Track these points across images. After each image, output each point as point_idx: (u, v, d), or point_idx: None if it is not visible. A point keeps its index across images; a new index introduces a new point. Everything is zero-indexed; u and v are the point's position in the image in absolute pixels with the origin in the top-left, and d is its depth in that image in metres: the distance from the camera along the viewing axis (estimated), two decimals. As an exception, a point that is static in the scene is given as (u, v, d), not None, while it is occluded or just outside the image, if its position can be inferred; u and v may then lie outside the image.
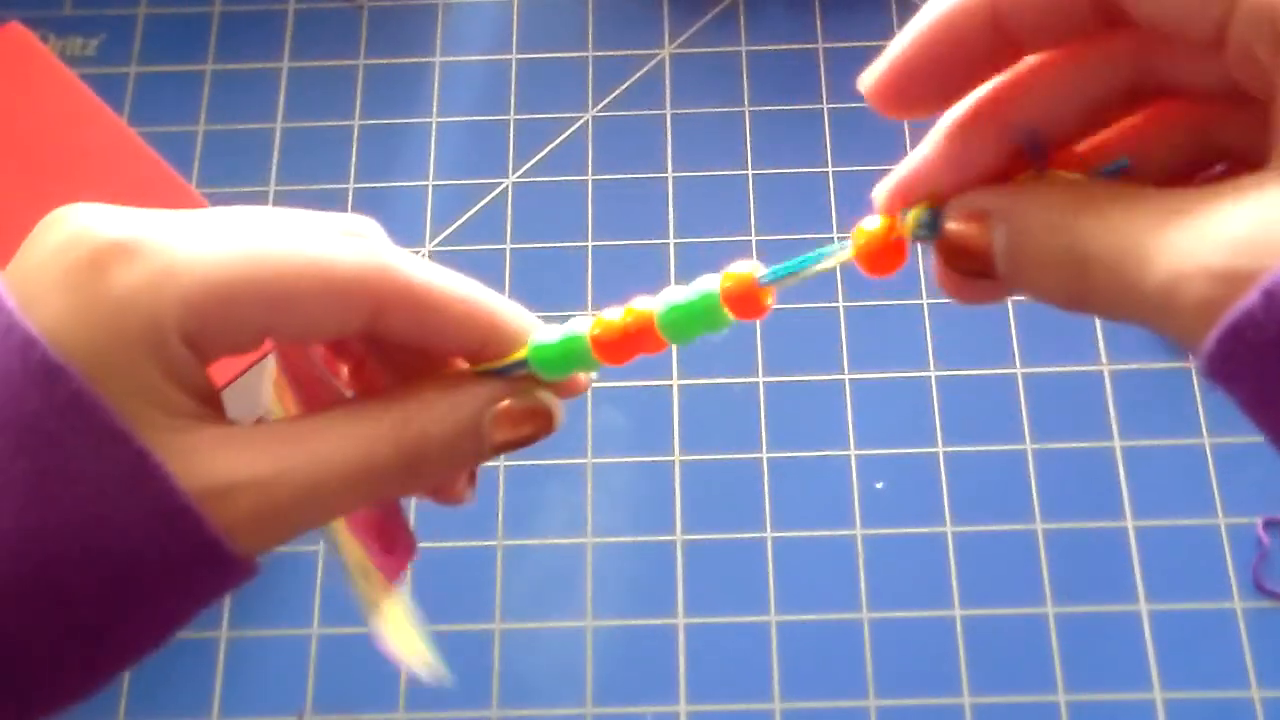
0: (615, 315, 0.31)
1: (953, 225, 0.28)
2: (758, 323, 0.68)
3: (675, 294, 0.32)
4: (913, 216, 0.28)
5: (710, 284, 0.31)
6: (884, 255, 0.29)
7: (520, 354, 0.31)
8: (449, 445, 0.29)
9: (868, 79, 0.28)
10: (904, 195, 0.29)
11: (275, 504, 0.27)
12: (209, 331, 0.27)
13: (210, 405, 0.28)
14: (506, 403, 0.30)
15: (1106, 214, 0.25)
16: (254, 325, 0.28)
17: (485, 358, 0.32)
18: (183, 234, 0.27)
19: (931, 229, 0.28)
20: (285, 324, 0.28)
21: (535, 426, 0.31)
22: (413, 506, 0.63)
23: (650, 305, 0.31)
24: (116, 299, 0.26)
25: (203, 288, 0.27)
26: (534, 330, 0.32)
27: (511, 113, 0.74)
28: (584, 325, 0.31)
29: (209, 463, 0.27)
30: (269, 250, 0.28)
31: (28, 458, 0.25)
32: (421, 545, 0.63)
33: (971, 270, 0.28)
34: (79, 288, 0.26)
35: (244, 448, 0.27)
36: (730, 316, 0.31)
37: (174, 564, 0.26)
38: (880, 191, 0.30)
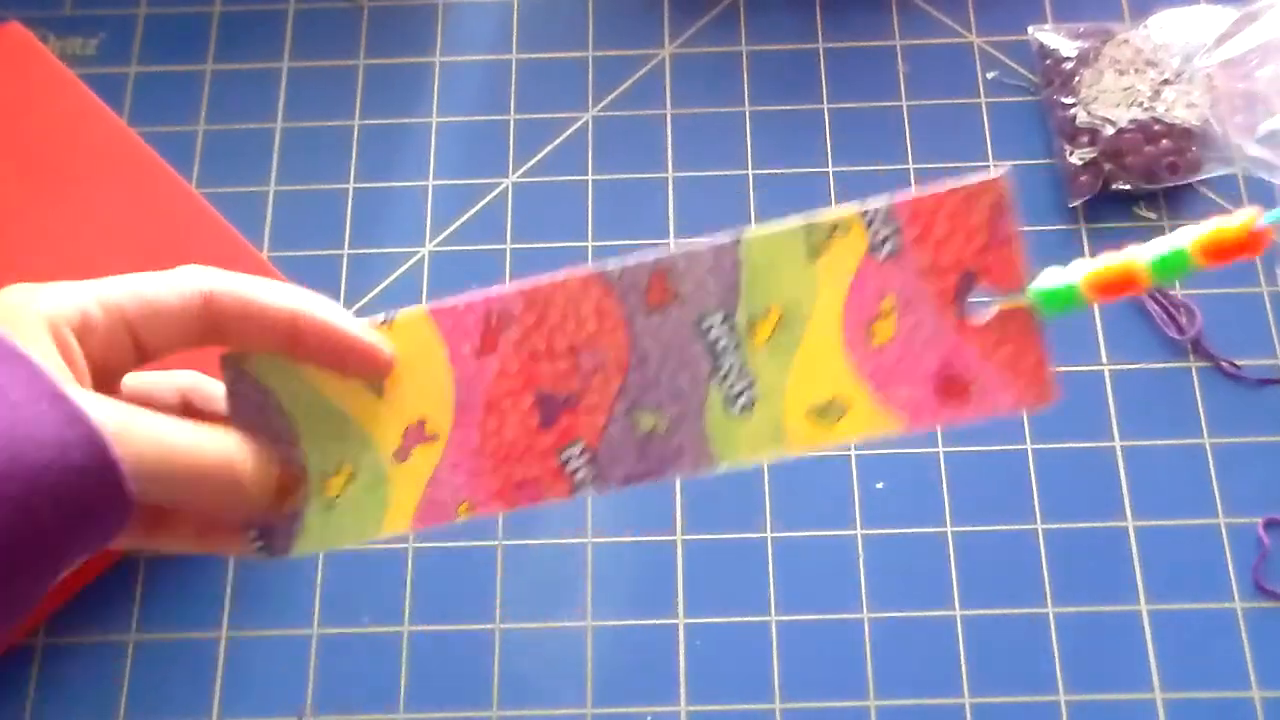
0: (1104, 263, 0.35)
1: None
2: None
3: (1159, 245, 0.35)
4: None
5: (1188, 235, 0.34)
6: None
7: (1021, 298, 0.36)
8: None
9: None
10: None
11: (141, 457, 0.33)
12: (92, 332, 0.35)
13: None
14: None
15: None
16: (117, 333, 0.36)
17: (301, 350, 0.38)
18: (61, 285, 0.37)
19: None
20: (143, 330, 0.36)
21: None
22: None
23: (1136, 255, 0.35)
24: (23, 305, 0.35)
25: (72, 301, 0.36)
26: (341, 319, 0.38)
27: (511, 113, 0.74)
28: (1077, 273, 0.36)
29: (101, 403, 0.33)
30: (129, 278, 0.38)
31: None
32: (421, 545, 0.64)
33: None
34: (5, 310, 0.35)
35: (139, 415, 0.34)
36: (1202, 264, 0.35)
37: (65, 457, 0.31)
38: None
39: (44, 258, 0.62)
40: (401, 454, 0.38)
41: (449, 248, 0.70)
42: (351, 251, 0.70)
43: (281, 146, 0.73)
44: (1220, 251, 0.34)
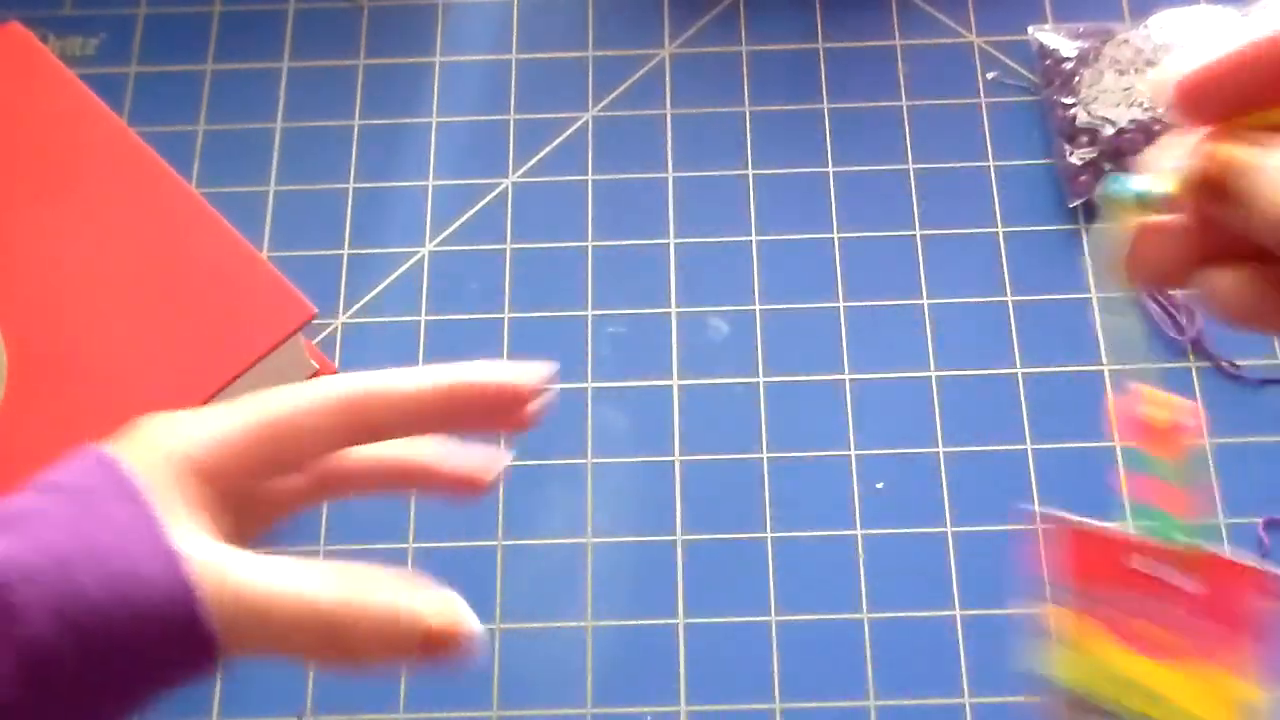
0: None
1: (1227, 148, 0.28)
2: (758, 323, 0.68)
3: None
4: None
5: None
6: None
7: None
8: (377, 647, 0.33)
9: (1178, 75, 0.29)
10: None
11: (239, 604, 0.32)
12: (223, 467, 0.34)
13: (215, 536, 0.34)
14: (430, 626, 0.33)
15: None
16: (256, 459, 0.35)
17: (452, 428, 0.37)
18: (198, 413, 0.35)
19: None
20: (290, 444, 0.35)
21: (453, 650, 0.34)
22: (412, 503, 0.63)
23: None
24: (156, 445, 0.35)
25: (209, 434, 0.35)
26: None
27: (511, 113, 0.74)
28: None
29: (208, 550, 0.32)
30: (262, 400, 0.36)
31: (77, 506, 0.33)
32: (421, 545, 0.64)
33: (1218, 193, 0.28)
34: (138, 440, 0.35)
35: (233, 556, 0.33)
36: None
37: (158, 610, 0.31)
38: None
39: (44, 258, 0.61)
40: None
41: (449, 248, 0.70)
42: (351, 251, 0.70)
43: (281, 146, 0.73)
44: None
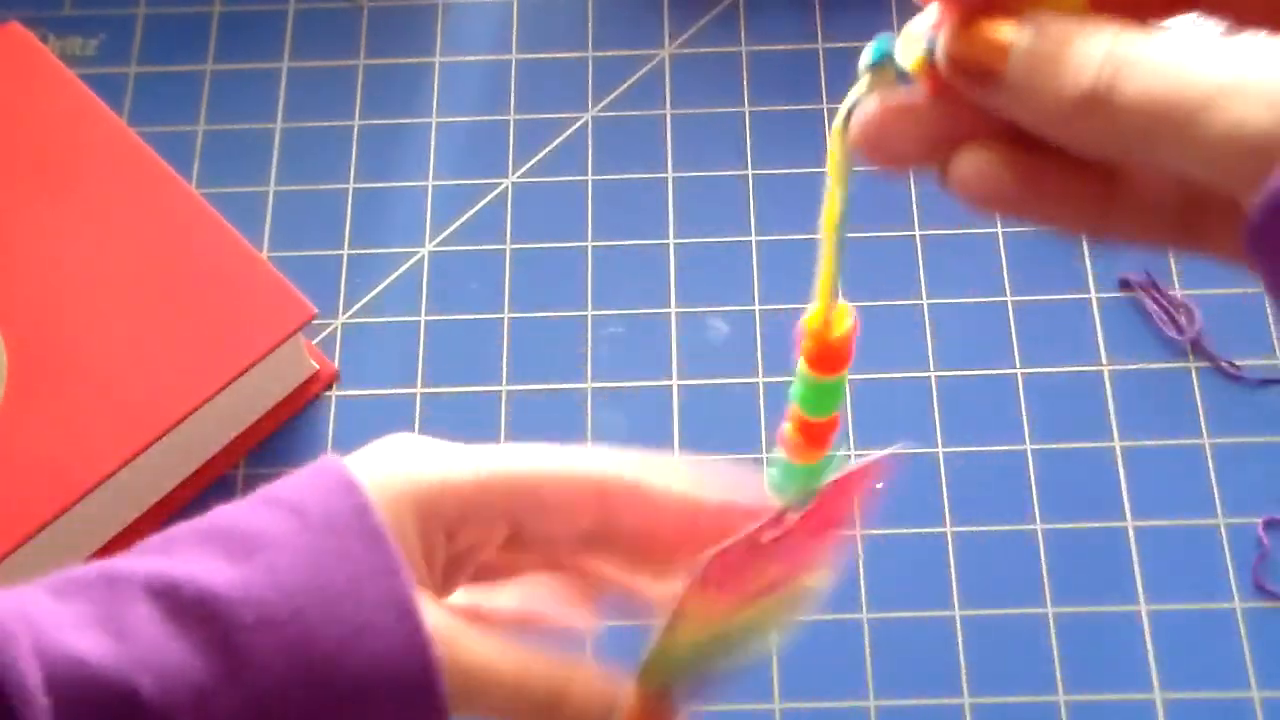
0: None
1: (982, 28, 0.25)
2: (758, 323, 0.68)
3: None
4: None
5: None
6: None
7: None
8: None
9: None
10: None
11: (467, 674, 0.32)
12: (469, 519, 0.34)
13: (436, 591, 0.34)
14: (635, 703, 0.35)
15: (1152, 35, 0.23)
16: (494, 522, 0.34)
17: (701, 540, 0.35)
18: (451, 448, 0.35)
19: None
20: (527, 516, 0.34)
21: None
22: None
23: None
24: (402, 476, 0.34)
25: (457, 474, 0.34)
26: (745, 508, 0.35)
27: (511, 113, 0.74)
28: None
29: (438, 613, 0.32)
30: (518, 456, 0.35)
31: (317, 537, 0.32)
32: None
33: (975, 71, 0.25)
34: (385, 466, 0.34)
35: (474, 638, 0.33)
36: None
37: (391, 667, 0.31)
38: None
39: (44, 258, 0.62)
40: None
41: (449, 248, 0.70)
42: (351, 251, 0.70)
43: (281, 146, 0.73)
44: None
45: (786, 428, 0.34)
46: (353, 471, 0.33)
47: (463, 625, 0.33)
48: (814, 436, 0.33)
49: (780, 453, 0.34)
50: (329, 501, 0.32)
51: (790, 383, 0.35)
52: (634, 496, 0.35)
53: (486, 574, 0.37)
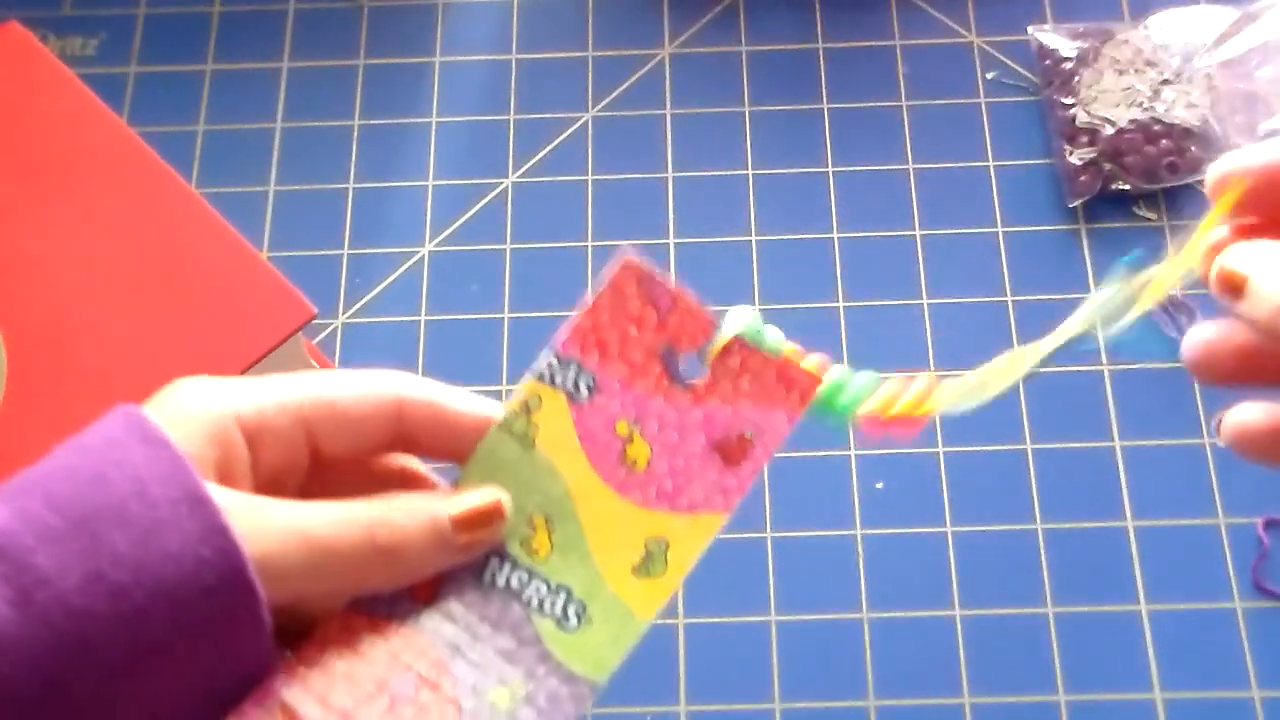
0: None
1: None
2: (758, 323, 0.68)
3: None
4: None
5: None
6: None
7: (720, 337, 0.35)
8: (419, 547, 0.34)
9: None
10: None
11: (285, 549, 0.32)
12: (266, 435, 0.33)
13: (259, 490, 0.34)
14: (462, 509, 0.34)
15: None
16: (295, 439, 0.34)
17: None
18: (241, 379, 0.35)
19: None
20: (325, 434, 0.34)
21: (490, 527, 0.35)
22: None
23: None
24: (193, 400, 0.34)
25: (249, 401, 0.34)
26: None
27: (511, 113, 0.74)
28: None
29: (236, 494, 0.32)
30: (313, 379, 0.35)
31: (97, 459, 0.32)
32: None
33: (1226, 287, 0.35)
34: (174, 397, 0.35)
35: (276, 506, 0.32)
36: None
37: (193, 558, 0.30)
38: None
39: (44, 258, 0.62)
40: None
41: (449, 248, 0.70)
42: (351, 251, 0.70)
43: (281, 146, 0.73)
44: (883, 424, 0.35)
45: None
46: (137, 406, 0.33)
47: (265, 501, 0.32)
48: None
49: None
50: (108, 427, 0.33)
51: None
52: (429, 411, 0.35)
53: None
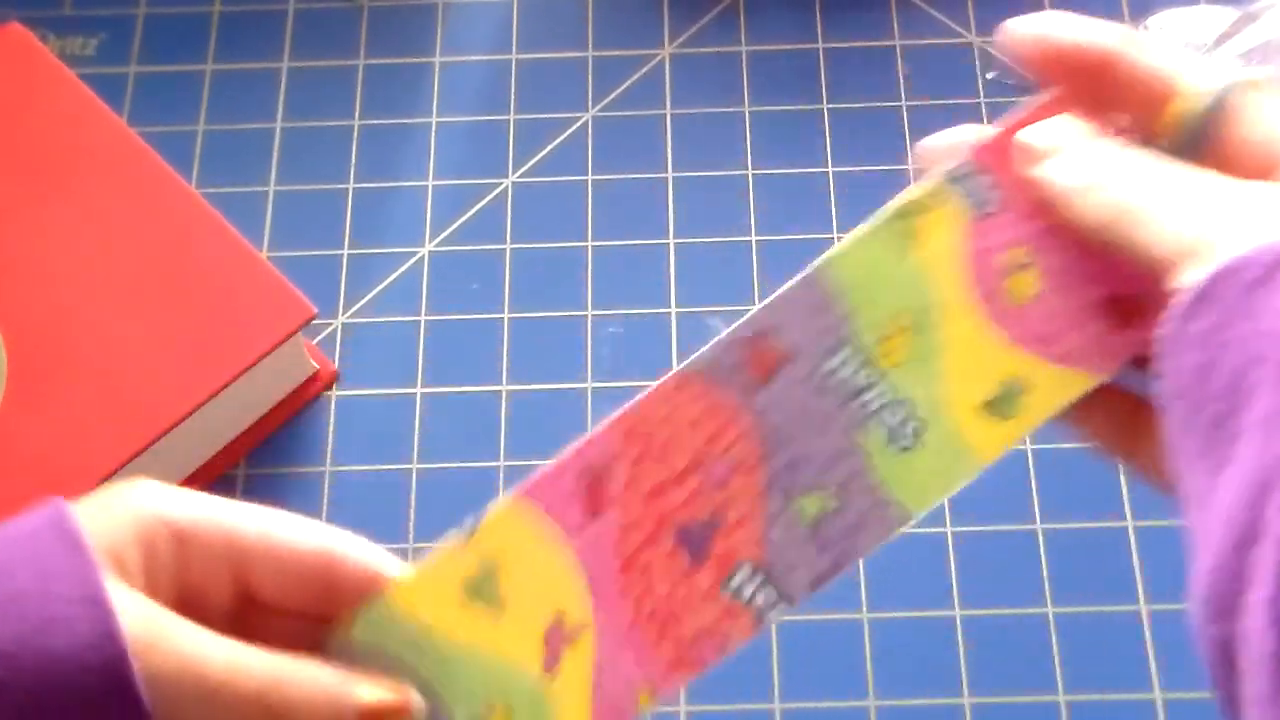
0: None
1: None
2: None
3: None
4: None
5: None
6: None
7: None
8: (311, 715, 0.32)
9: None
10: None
11: (176, 675, 0.31)
12: (194, 547, 0.33)
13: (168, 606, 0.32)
14: (369, 702, 0.32)
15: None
16: (227, 556, 0.33)
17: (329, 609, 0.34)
18: (191, 493, 0.34)
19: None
20: (255, 563, 0.33)
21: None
22: (412, 500, 0.63)
23: None
24: (127, 499, 0.33)
25: (192, 513, 0.33)
26: (388, 566, 0.34)
27: (511, 113, 0.74)
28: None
29: (145, 605, 0.31)
30: (251, 511, 0.34)
31: (12, 547, 0.31)
32: (420, 545, 0.63)
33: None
34: (109, 494, 0.34)
35: (182, 628, 0.31)
36: None
37: (77, 661, 0.29)
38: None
39: (44, 258, 0.62)
40: (551, 662, 0.32)
41: (449, 248, 0.70)
42: (351, 251, 0.70)
43: (281, 146, 0.73)
44: None
45: None
46: (67, 502, 0.32)
47: (172, 617, 0.31)
48: None
49: None
50: (34, 519, 0.32)
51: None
52: (361, 575, 0.34)
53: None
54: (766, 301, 0.33)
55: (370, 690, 0.32)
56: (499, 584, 0.33)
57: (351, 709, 0.32)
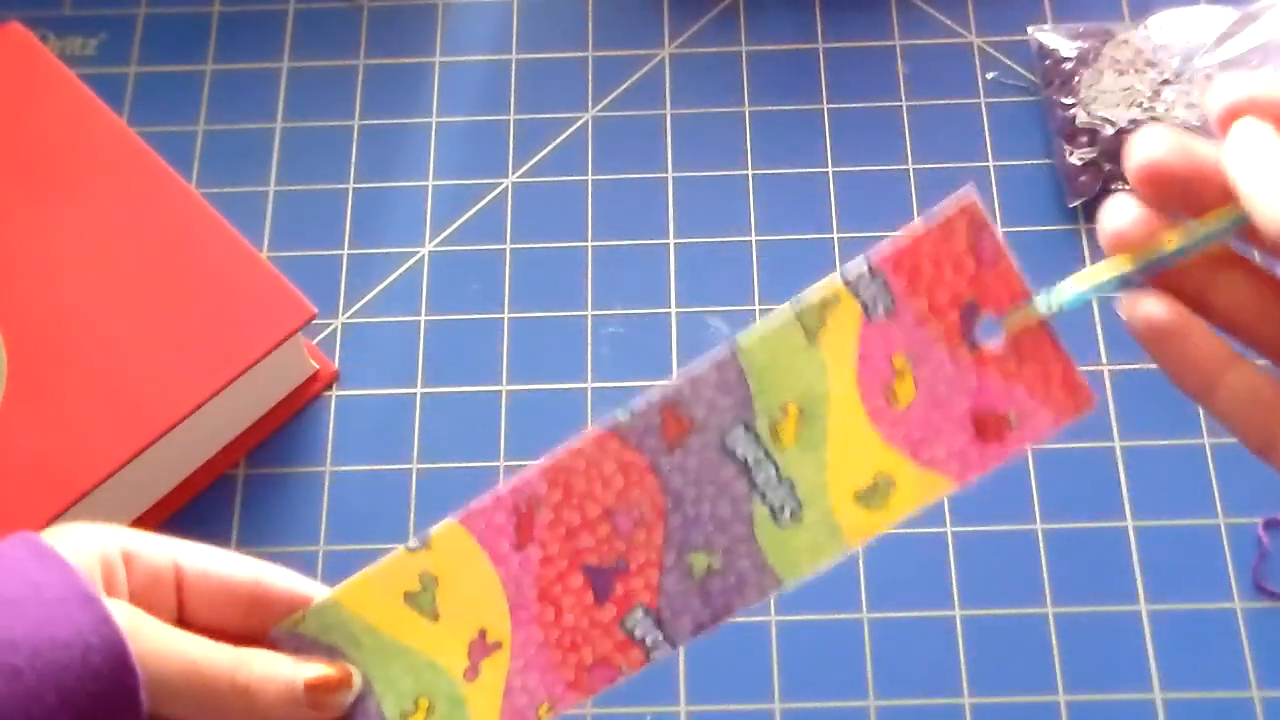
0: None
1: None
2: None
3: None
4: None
5: None
6: None
7: (1030, 311, 0.36)
8: (271, 699, 0.37)
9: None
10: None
11: (164, 655, 0.35)
12: (140, 561, 0.37)
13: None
14: (313, 675, 0.38)
15: None
16: (169, 572, 0.38)
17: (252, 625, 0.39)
18: (132, 531, 0.39)
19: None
20: (191, 585, 0.38)
21: (337, 693, 0.38)
22: (412, 501, 0.63)
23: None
24: (85, 531, 0.38)
25: (138, 538, 0.38)
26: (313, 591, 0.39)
27: (511, 113, 0.74)
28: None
29: (131, 612, 0.35)
30: (187, 543, 0.39)
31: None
32: (421, 545, 0.63)
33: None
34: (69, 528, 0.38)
35: (156, 621, 0.36)
36: None
37: (81, 647, 0.33)
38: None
39: (44, 258, 0.62)
40: (472, 672, 0.37)
41: (449, 248, 0.70)
42: (351, 251, 0.70)
43: (281, 146, 0.73)
44: None
45: None
46: (34, 532, 0.36)
47: (143, 615, 0.35)
48: None
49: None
50: (3, 546, 0.35)
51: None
52: (288, 597, 0.39)
53: None
54: (684, 374, 0.36)
55: (316, 668, 0.38)
56: (436, 595, 0.38)
57: (302, 681, 0.37)
